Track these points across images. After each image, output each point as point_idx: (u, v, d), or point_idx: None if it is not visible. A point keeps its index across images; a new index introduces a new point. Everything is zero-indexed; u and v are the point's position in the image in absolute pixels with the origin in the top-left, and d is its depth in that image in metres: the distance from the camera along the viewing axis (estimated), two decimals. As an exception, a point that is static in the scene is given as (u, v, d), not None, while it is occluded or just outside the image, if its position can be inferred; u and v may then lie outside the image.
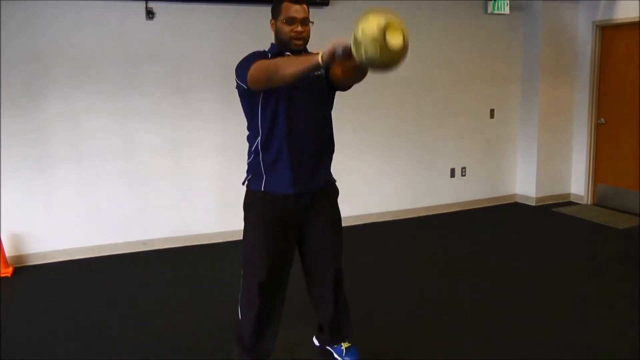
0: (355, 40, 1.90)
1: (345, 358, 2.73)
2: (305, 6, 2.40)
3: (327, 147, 2.58)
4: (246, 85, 2.32)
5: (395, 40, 1.91)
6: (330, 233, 2.59)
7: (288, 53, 2.42)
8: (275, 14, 2.43)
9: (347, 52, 1.93)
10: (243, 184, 2.58)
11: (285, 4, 2.38)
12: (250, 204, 2.53)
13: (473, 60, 5.86)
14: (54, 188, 4.42)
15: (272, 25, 2.46)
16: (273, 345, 2.61)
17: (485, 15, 5.82)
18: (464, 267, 4.28)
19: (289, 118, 2.40)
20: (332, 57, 1.98)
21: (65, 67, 4.34)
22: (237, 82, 2.39)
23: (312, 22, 2.45)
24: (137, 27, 4.50)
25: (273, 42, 2.49)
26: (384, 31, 1.88)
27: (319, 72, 2.34)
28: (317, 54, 2.03)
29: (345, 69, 2.29)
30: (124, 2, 4.42)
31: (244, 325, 2.52)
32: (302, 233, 2.57)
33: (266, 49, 2.50)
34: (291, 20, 2.36)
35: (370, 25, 1.88)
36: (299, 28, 2.37)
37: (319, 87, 2.47)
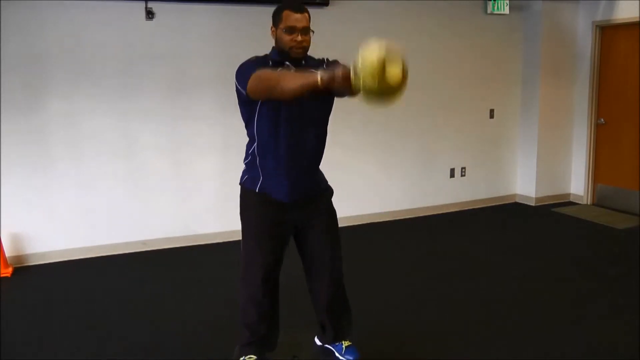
0: (355, 70, 1.89)
1: (346, 356, 2.74)
2: (306, 14, 2.38)
3: (320, 155, 2.59)
4: (245, 92, 2.31)
5: (394, 73, 1.89)
6: (326, 233, 2.61)
7: (288, 63, 2.40)
8: (275, 21, 2.41)
9: (346, 77, 1.92)
10: (240, 182, 2.60)
11: (286, 12, 2.35)
12: (247, 205, 2.55)
13: (473, 60, 5.86)
14: (54, 188, 4.42)
15: (272, 32, 2.44)
16: (277, 339, 2.62)
17: (485, 16, 5.82)
18: (463, 267, 4.28)
19: (287, 127, 2.40)
20: (331, 80, 1.97)
21: (65, 67, 4.34)
22: (236, 86, 2.38)
23: (313, 31, 2.42)
24: (137, 27, 4.50)
25: (274, 46, 2.47)
26: (383, 64, 1.86)
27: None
28: (317, 73, 2.01)
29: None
30: (124, 2, 4.42)
31: (249, 323, 2.52)
32: (299, 235, 2.59)
33: (267, 52, 2.48)
34: (291, 30, 2.34)
35: (370, 57, 1.87)
36: (299, 38, 2.34)
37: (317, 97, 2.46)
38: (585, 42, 6.01)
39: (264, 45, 5.42)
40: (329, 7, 5.01)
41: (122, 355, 2.95)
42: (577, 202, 6.24)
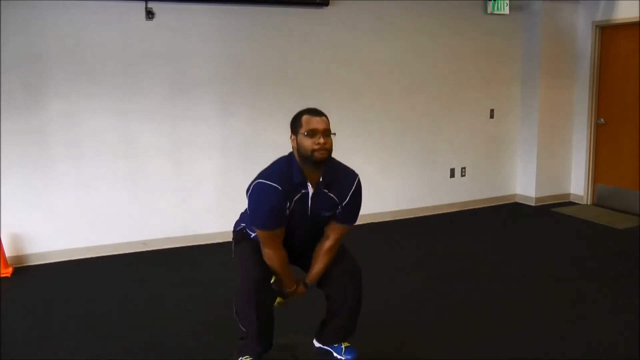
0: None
1: (345, 356, 2.73)
2: (325, 118, 2.39)
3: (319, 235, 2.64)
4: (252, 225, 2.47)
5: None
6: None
7: (308, 187, 2.44)
8: (294, 129, 2.41)
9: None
10: (235, 230, 2.68)
11: (306, 117, 2.37)
12: (242, 237, 2.63)
13: (473, 60, 5.86)
14: (54, 188, 4.42)
15: (292, 140, 2.43)
16: (272, 339, 2.63)
17: (485, 16, 5.82)
18: (463, 267, 4.28)
19: (289, 232, 2.48)
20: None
21: (65, 67, 4.34)
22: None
23: (335, 134, 2.42)
24: (137, 27, 4.50)
25: (294, 156, 2.45)
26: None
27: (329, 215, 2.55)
28: (293, 287, 2.56)
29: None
30: (124, 2, 4.42)
31: (246, 325, 2.53)
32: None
33: (286, 158, 2.49)
34: (313, 132, 2.33)
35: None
36: (322, 140, 2.33)
37: (325, 213, 2.51)
38: (585, 42, 6.01)
39: (264, 45, 5.42)
40: (329, 7, 5.01)
41: (122, 355, 2.95)
42: (577, 202, 6.23)
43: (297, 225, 2.48)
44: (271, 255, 2.46)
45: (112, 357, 2.94)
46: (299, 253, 2.61)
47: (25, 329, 3.28)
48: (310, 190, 2.44)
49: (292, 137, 2.43)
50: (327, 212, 2.50)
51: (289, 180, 2.40)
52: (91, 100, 4.44)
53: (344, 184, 2.52)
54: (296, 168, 2.42)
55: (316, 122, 2.36)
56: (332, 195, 2.49)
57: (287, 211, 2.40)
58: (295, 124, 2.41)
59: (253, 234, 2.56)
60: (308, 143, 2.34)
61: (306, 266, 2.64)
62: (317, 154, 2.34)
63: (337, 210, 2.51)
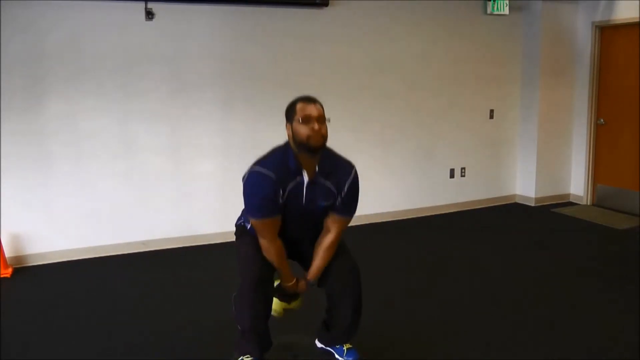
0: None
1: (346, 357, 2.73)
2: (319, 106, 2.42)
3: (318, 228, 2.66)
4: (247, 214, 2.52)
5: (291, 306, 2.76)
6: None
7: (304, 175, 2.43)
8: (289, 117, 2.44)
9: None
10: (236, 224, 2.71)
11: (300, 105, 2.40)
12: (242, 231, 2.66)
13: (473, 61, 5.86)
14: (54, 188, 4.42)
15: (287, 128, 2.45)
16: (270, 337, 2.65)
17: (484, 16, 5.82)
18: (463, 268, 4.28)
19: (285, 222, 2.50)
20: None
21: (65, 68, 4.34)
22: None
23: (329, 120, 2.45)
24: (137, 27, 4.51)
25: (288, 145, 2.47)
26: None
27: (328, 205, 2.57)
28: (292, 281, 2.59)
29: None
30: (124, 3, 4.42)
31: (244, 324, 2.53)
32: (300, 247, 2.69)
33: (282, 146, 2.51)
34: (308, 119, 2.36)
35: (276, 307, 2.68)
36: (316, 126, 2.35)
37: (321, 203, 2.52)
38: (584, 42, 6.01)
39: (264, 45, 5.41)
40: (329, 7, 5.01)
41: (122, 355, 2.95)
42: (577, 202, 6.24)
43: (292, 215, 2.48)
44: (266, 245, 2.46)
45: (112, 357, 2.94)
46: (297, 246, 2.63)
47: (25, 329, 3.27)
48: (306, 178, 2.45)
49: (287, 125, 2.45)
50: (324, 201, 2.50)
51: (284, 167, 2.42)
52: (91, 101, 4.44)
53: (341, 174, 2.53)
54: (292, 155, 2.43)
55: (310, 109, 2.38)
56: (329, 185, 2.49)
57: (282, 200, 2.40)
58: (290, 112, 2.43)
59: (250, 226, 2.57)
60: (303, 130, 2.36)
61: (306, 262, 2.64)
62: (312, 141, 2.36)
63: (337, 201, 2.51)
